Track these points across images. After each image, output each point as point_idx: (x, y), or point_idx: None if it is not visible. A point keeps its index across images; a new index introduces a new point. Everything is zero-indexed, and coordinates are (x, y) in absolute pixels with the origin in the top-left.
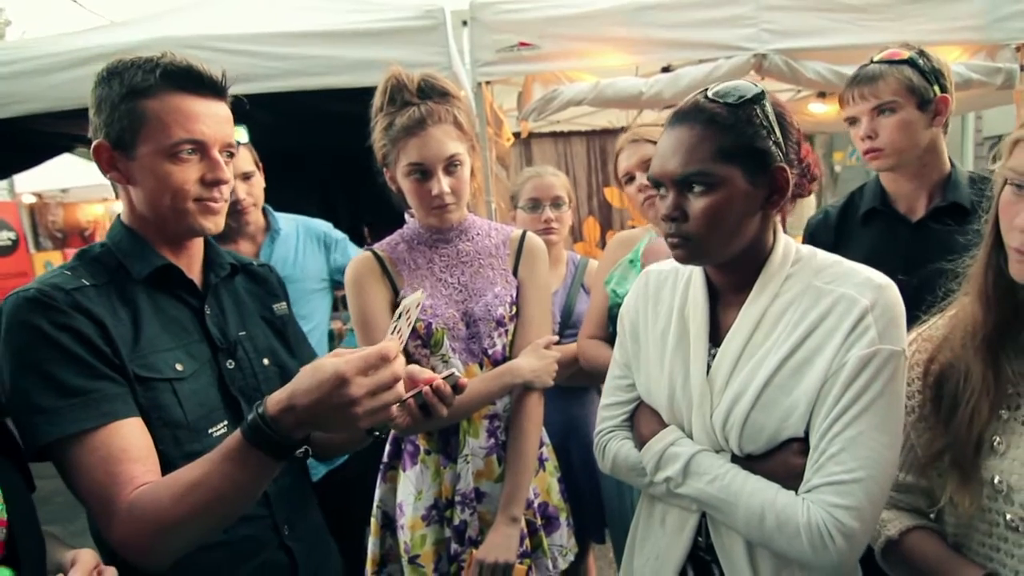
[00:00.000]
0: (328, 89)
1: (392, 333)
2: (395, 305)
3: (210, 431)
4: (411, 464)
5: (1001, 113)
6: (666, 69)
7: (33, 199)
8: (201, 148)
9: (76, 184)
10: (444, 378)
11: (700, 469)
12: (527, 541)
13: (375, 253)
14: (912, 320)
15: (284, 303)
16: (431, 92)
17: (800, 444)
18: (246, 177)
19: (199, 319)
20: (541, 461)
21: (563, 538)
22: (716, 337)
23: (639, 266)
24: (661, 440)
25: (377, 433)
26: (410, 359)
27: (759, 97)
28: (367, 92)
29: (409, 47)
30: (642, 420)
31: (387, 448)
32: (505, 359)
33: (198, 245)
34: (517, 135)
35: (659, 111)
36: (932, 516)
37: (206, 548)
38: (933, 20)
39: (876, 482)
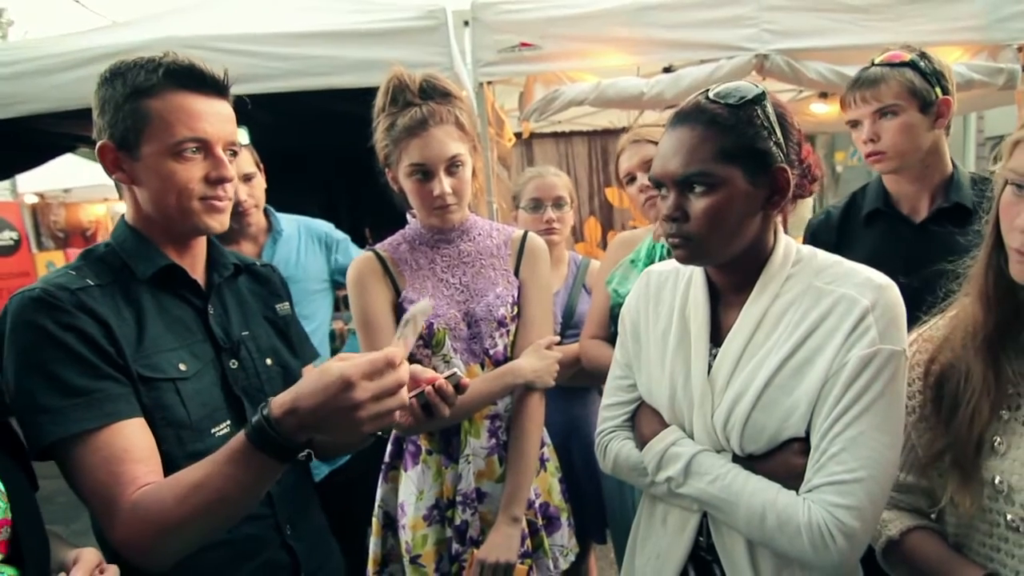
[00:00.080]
0: (330, 89)
1: (398, 339)
2: (397, 305)
3: (213, 431)
4: (413, 464)
5: (1003, 113)
6: (667, 69)
7: (35, 199)
8: (205, 146)
9: (78, 184)
10: (446, 378)
11: (701, 469)
12: (528, 541)
13: (377, 253)
14: (913, 321)
15: (287, 303)
16: (433, 93)
17: (801, 444)
18: (247, 178)
19: (203, 319)
20: (542, 461)
21: (564, 538)
22: (717, 337)
23: (640, 266)
24: (662, 440)
25: (379, 433)
26: (412, 359)
27: (760, 98)
28: (369, 92)
29: (411, 47)
30: (643, 420)
31: (389, 448)
32: (506, 359)
33: (202, 245)
34: (518, 135)
35: (660, 111)
36: (933, 516)
37: (208, 547)
38: (934, 20)
39: (877, 482)
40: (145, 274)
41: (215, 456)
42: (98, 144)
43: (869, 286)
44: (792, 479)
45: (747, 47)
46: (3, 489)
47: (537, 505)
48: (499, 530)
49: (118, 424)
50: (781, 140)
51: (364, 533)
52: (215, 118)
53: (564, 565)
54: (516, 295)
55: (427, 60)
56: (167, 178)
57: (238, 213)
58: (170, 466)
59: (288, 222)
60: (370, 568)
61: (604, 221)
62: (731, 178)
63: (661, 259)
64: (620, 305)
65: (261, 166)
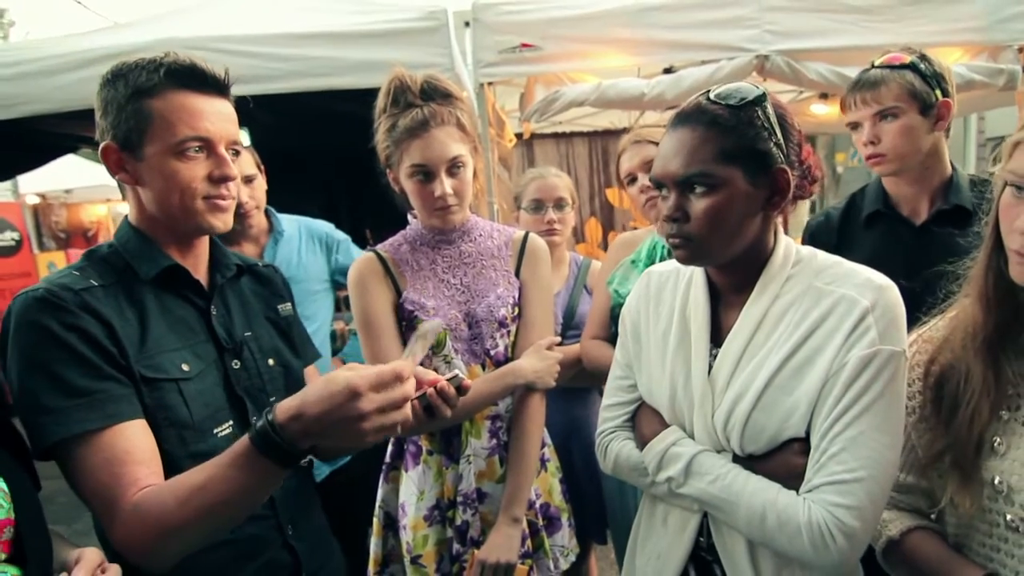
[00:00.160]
0: (330, 90)
1: (407, 355)
2: (398, 306)
3: (215, 431)
4: (413, 464)
5: (1003, 114)
6: (668, 70)
7: (37, 199)
8: (207, 145)
9: (80, 185)
10: (448, 379)
11: (702, 469)
12: (529, 541)
13: (378, 254)
14: (914, 323)
15: (289, 304)
16: (434, 94)
17: (801, 444)
18: (248, 180)
19: (205, 319)
20: (543, 462)
21: (565, 539)
22: (717, 338)
23: (641, 267)
24: (663, 440)
25: None
26: None
27: (760, 99)
28: (370, 93)
29: (411, 48)
30: (644, 420)
31: (389, 448)
32: (507, 360)
33: (204, 246)
34: (519, 136)
35: (661, 112)
36: (933, 517)
37: (210, 547)
38: (935, 21)
39: (877, 482)
40: (148, 274)
41: (218, 459)
42: (101, 145)
43: (869, 287)
44: (792, 479)
45: (748, 48)
46: (6, 489)
47: (538, 505)
48: (500, 530)
49: (120, 425)
50: (781, 141)
51: (365, 533)
52: (217, 117)
53: (564, 565)
54: (517, 296)
55: (428, 61)
56: (170, 178)
57: (239, 214)
58: (172, 466)
59: (289, 223)
60: (371, 568)
61: (605, 222)
62: (732, 179)
63: (661, 260)
64: (620, 305)
65: (262, 167)
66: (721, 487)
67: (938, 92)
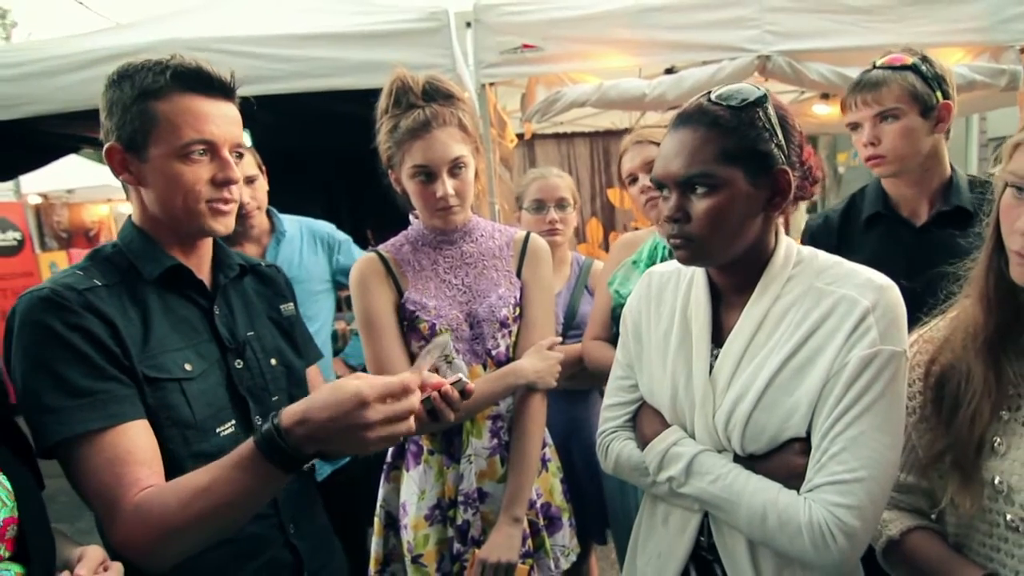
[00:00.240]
0: (332, 91)
1: (415, 369)
2: (399, 306)
3: (218, 430)
4: (414, 464)
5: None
6: (669, 71)
7: (39, 199)
8: (211, 148)
9: (82, 185)
10: (452, 384)
11: (702, 469)
12: (529, 541)
13: (380, 254)
14: (914, 323)
15: (291, 304)
16: (436, 94)
17: (802, 444)
18: (249, 181)
19: (208, 319)
20: (544, 462)
21: (565, 538)
22: (718, 338)
23: (642, 267)
24: (664, 440)
25: None
26: (413, 360)
27: (762, 100)
28: (371, 94)
29: (413, 49)
30: (645, 420)
31: (391, 448)
32: (508, 360)
33: (208, 246)
34: (521, 136)
35: (662, 113)
36: (933, 517)
37: (212, 546)
38: (936, 22)
39: (877, 482)
40: (152, 275)
41: (222, 461)
42: (106, 146)
43: (870, 287)
44: (793, 479)
45: (749, 48)
46: (10, 488)
47: (538, 505)
48: (500, 530)
49: (122, 426)
50: (782, 142)
51: (365, 533)
52: (222, 120)
53: (565, 565)
54: (518, 296)
55: (429, 62)
56: (174, 180)
57: (241, 215)
58: (174, 466)
59: (291, 223)
60: (372, 568)
61: (606, 222)
62: (733, 179)
63: (663, 260)
64: (621, 306)
65: (264, 168)
66: (722, 487)
67: (939, 94)
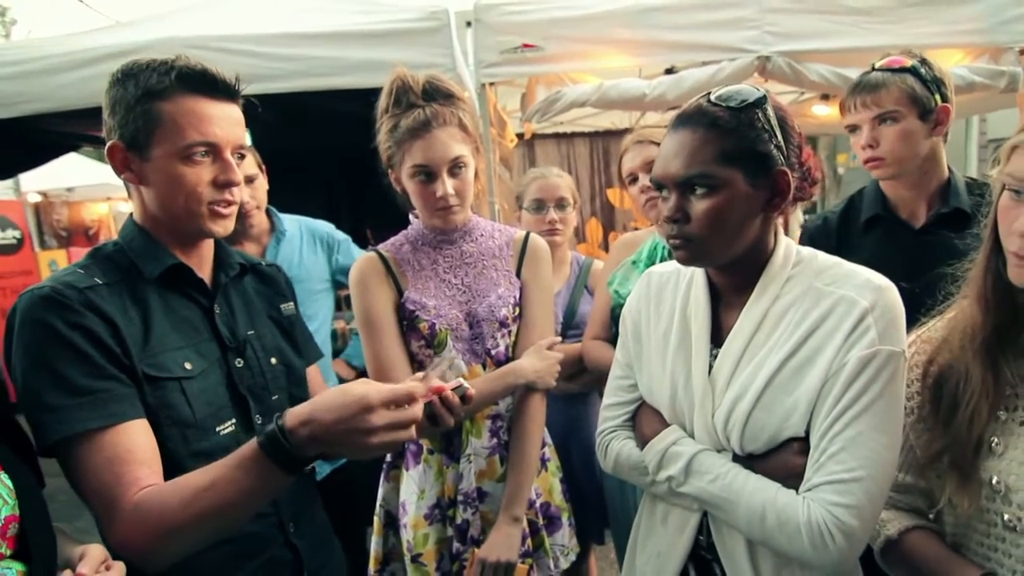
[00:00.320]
0: (332, 90)
1: (423, 380)
2: (399, 305)
3: (217, 429)
4: (414, 463)
5: (1005, 116)
6: (669, 71)
7: (38, 198)
8: (214, 150)
9: (81, 183)
10: (453, 389)
11: (702, 468)
12: (529, 541)
13: (380, 254)
14: (913, 325)
15: (291, 303)
16: (436, 94)
17: (801, 444)
18: (249, 180)
19: (209, 318)
20: (543, 461)
21: (565, 538)
22: (718, 338)
23: (641, 267)
24: (663, 440)
25: None
26: (414, 359)
27: (761, 101)
28: (371, 93)
29: (413, 48)
30: (644, 420)
31: None
32: (508, 360)
33: (209, 245)
34: (520, 136)
35: (662, 113)
36: (931, 517)
37: (212, 544)
38: (936, 23)
39: (876, 481)
40: (153, 273)
41: (224, 461)
42: (108, 144)
43: (869, 287)
44: (792, 478)
45: (749, 49)
46: (11, 486)
47: (538, 505)
48: (500, 529)
49: (122, 425)
50: (782, 143)
51: (365, 532)
52: (225, 122)
53: (565, 564)
54: (518, 296)
55: (430, 61)
56: (175, 180)
57: (240, 215)
58: (174, 464)
59: (290, 223)
60: (371, 567)
61: (606, 222)
62: (732, 180)
63: (662, 260)
64: (621, 306)
65: (263, 168)
66: (721, 486)
67: (938, 97)
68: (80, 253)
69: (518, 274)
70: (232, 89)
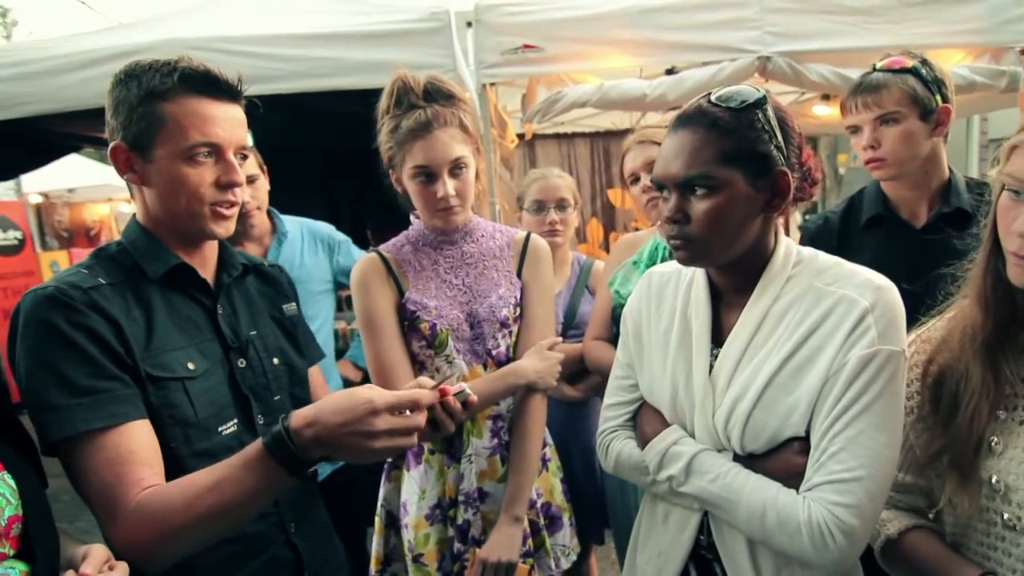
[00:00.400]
0: (333, 91)
1: (430, 388)
2: (400, 306)
3: (220, 429)
4: (415, 464)
5: (1006, 116)
6: (670, 71)
7: (39, 199)
8: (216, 151)
9: (82, 184)
10: (455, 395)
11: (702, 468)
12: (530, 541)
13: (381, 254)
14: (913, 324)
15: (294, 303)
16: (437, 95)
17: (801, 443)
18: (250, 181)
19: (212, 318)
20: (544, 461)
21: (566, 538)
22: (718, 338)
23: (642, 267)
24: (664, 439)
25: None
26: (414, 360)
27: (761, 102)
28: (372, 94)
29: (414, 49)
30: (645, 420)
31: None
32: (509, 360)
33: (212, 246)
34: (521, 137)
35: (663, 113)
36: (931, 516)
37: (213, 544)
38: (937, 23)
39: (876, 481)
40: (156, 273)
41: (228, 461)
42: (111, 145)
43: (869, 287)
44: (792, 478)
45: (749, 49)
46: (14, 485)
47: (539, 505)
48: (501, 529)
49: (124, 425)
50: (782, 143)
51: (366, 532)
52: (228, 123)
53: (565, 564)
54: (519, 296)
55: (430, 62)
56: (178, 181)
57: (241, 215)
58: (176, 464)
59: (292, 224)
60: (372, 567)
61: (606, 222)
62: (732, 181)
63: (663, 261)
64: (621, 306)
65: (264, 168)
66: (721, 486)
67: (938, 97)
68: (81, 254)
69: (519, 274)
70: (234, 90)
